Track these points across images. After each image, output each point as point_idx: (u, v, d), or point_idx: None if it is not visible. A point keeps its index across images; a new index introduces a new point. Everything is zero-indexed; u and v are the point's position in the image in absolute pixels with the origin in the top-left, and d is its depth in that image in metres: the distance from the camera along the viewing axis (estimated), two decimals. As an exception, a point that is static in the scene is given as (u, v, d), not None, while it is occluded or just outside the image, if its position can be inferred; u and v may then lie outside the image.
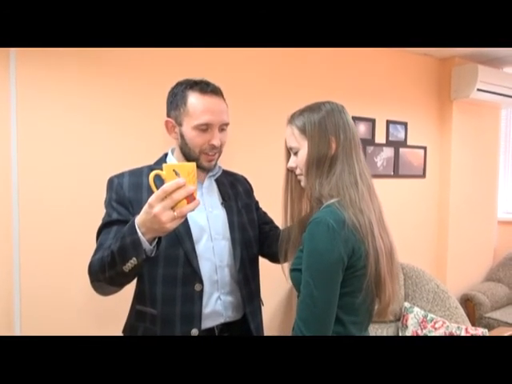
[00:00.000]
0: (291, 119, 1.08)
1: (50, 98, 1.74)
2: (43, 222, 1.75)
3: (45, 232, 1.75)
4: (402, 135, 2.98)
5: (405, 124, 2.99)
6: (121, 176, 1.18)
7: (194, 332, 1.11)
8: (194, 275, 1.12)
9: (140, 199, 1.12)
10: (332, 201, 0.99)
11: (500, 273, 3.34)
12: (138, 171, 1.20)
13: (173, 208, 0.88)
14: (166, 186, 0.86)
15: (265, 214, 1.41)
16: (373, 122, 2.81)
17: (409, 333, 2.37)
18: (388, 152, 2.91)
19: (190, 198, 0.89)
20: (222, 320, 1.17)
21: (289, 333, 1.02)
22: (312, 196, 1.04)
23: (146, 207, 0.89)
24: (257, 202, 1.41)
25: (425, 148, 3.11)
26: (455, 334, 2.26)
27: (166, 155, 1.25)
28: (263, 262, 1.34)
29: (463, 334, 2.26)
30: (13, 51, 1.66)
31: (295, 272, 1.01)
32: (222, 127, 1.16)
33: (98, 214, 1.16)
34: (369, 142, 2.80)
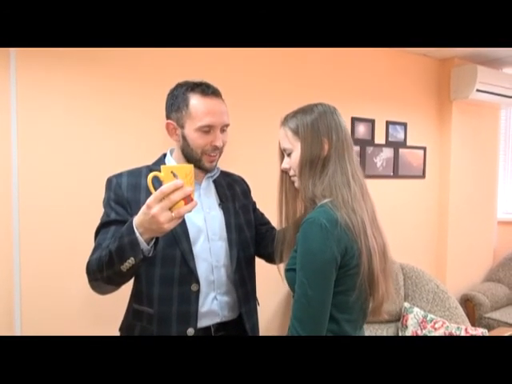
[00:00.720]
0: (284, 121, 1.10)
1: (50, 99, 1.75)
2: (43, 222, 1.75)
3: (45, 232, 1.76)
4: (401, 136, 2.99)
5: (404, 124, 2.99)
6: (119, 176, 1.18)
7: (190, 331, 1.12)
8: (191, 275, 1.13)
9: (138, 199, 1.13)
10: (325, 201, 1.01)
11: (500, 273, 3.35)
12: (137, 171, 1.20)
13: (171, 209, 0.89)
14: (164, 188, 0.88)
15: (262, 214, 1.42)
16: (372, 122, 2.81)
17: (408, 333, 2.37)
18: (387, 152, 2.92)
19: (188, 199, 0.91)
20: (218, 319, 1.18)
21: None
22: (306, 196, 1.06)
23: (144, 208, 0.90)
24: (254, 203, 1.42)
25: (424, 148, 3.11)
26: (455, 335, 2.26)
27: (164, 156, 1.26)
28: (263, 263, 1.34)
29: (463, 334, 2.26)
30: (13, 52, 1.66)
31: (290, 272, 1.02)
32: (223, 128, 1.18)
33: (98, 214, 1.17)
34: (368, 142, 2.80)
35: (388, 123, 2.91)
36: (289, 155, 1.08)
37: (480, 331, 2.29)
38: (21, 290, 1.72)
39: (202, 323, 1.16)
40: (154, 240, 0.96)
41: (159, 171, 0.93)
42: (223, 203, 1.25)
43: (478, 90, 2.92)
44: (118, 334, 1.26)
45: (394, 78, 2.92)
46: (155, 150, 1.33)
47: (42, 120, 1.74)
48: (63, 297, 1.79)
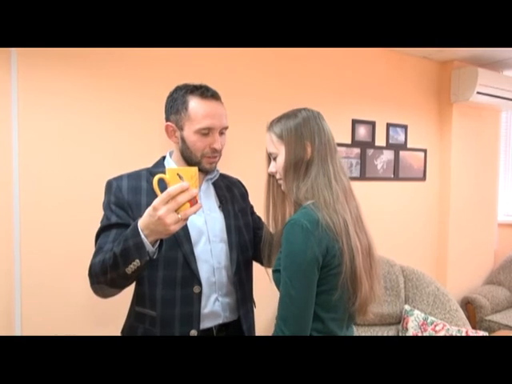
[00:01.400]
0: (270, 126, 1.12)
1: (51, 100, 1.75)
2: (44, 222, 1.76)
3: (45, 232, 1.76)
4: (402, 138, 2.99)
5: (405, 127, 3.00)
6: (119, 179, 1.19)
7: (193, 333, 1.12)
8: (193, 277, 1.13)
9: (139, 202, 1.13)
10: (307, 203, 1.03)
11: (500, 275, 3.34)
12: (137, 174, 1.21)
13: (177, 211, 0.90)
14: (171, 190, 0.89)
15: (259, 218, 1.42)
16: (373, 124, 2.81)
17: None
18: (388, 155, 2.92)
19: (193, 201, 0.92)
20: (220, 321, 1.19)
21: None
22: (291, 199, 1.09)
23: (149, 210, 0.91)
24: (252, 207, 1.43)
25: (425, 151, 3.11)
26: (456, 337, 2.25)
27: (163, 158, 1.26)
28: (261, 266, 1.34)
29: (463, 336, 2.25)
30: (14, 53, 1.67)
31: (276, 273, 1.05)
32: (222, 131, 1.19)
33: (98, 216, 1.17)
34: (369, 144, 2.81)
35: (388, 125, 2.91)
36: (274, 159, 1.11)
37: (481, 334, 2.28)
38: (21, 290, 1.72)
39: (205, 324, 1.16)
40: (158, 242, 0.97)
41: (163, 173, 0.94)
42: (223, 205, 1.25)
43: (478, 93, 2.93)
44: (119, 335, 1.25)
45: (394, 81, 2.92)
46: (156, 152, 1.34)
47: (43, 120, 1.74)
48: (63, 297, 1.80)
